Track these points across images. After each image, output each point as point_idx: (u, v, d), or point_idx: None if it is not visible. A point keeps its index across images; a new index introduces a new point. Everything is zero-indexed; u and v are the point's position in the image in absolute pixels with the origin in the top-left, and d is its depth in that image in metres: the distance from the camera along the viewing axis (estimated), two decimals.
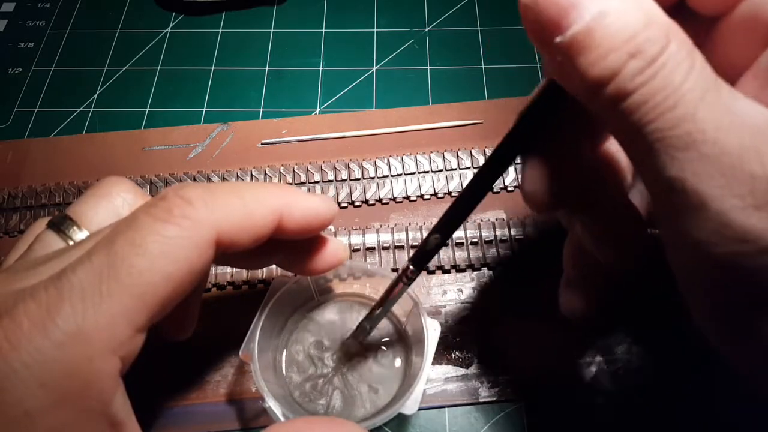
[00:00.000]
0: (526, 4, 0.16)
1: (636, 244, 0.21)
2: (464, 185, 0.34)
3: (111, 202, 0.23)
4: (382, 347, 0.30)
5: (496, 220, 0.34)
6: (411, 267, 0.24)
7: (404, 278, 0.24)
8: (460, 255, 0.33)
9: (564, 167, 0.20)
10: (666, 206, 0.16)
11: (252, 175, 0.36)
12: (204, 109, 0.40)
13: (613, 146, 0.22)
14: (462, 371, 0.30)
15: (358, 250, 0.33)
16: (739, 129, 0.14)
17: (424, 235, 0.33)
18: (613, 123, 0.16)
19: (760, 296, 0.15)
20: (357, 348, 0.29)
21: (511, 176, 0.35)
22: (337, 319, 0.31)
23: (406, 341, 0.30)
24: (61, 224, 0.22)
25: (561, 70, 0.16)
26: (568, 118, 0.19)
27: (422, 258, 0.23)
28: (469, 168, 0.36)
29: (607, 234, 0.21)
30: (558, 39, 0.15)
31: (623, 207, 0.21)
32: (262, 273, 0.32)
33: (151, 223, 0.18)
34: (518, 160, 0.21)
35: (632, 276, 0.23)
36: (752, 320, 0.16)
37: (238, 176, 0.36)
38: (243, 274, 0.32)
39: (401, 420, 0.29)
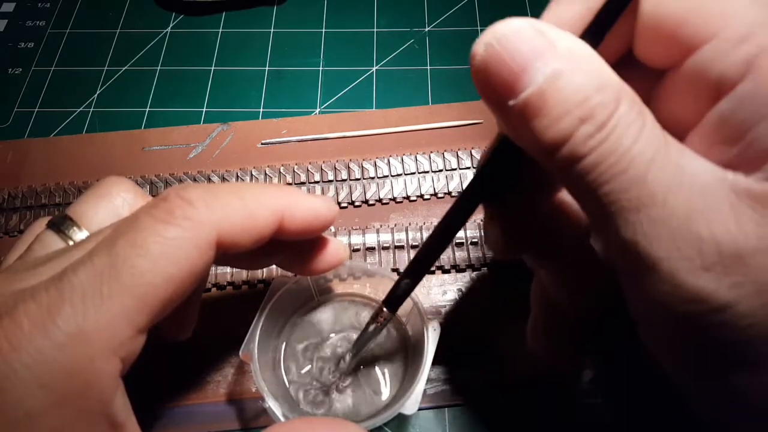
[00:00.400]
0: (477, 68, 0.16)
1: (596, 290, 0.21)
2: (464, 186, 0.34)
3: (111, 202, 0.23)
4: (382, 347, 0.30)
5: None
6: (384, 309, 0.24)
7: (378, 320, 0.25)
8: (460, 255, 0.33)
9: (520, 218, 0.21)
10: (622, 266, 0.16)
11: (252, 175, 0.36)
12: (204, 109, 0.40)
13: (566, 196, 0.22)
14: (462, 371, 0.30)
15: (358, 250, 0.33)
16: (688, 190, 0.14)
17: (425, 235, 0.33)
18: (568, 183, 0.16)
19: (719, 350, 0.15)
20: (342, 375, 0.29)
21: None
22: (337, 319, 0.31)
23: (406, 341, 0.30)
24: (61, 224, 0.22)
25: (515, 131, 0.16)
26: (522, 171, 0.20)
27: (394, 301, 0.24)
28: (469, 168, 0.36)
29: (568, 280, 0.22)
30: (511, 102, 0.15)
31: (582, 253, 0.21)
32: (262, 273, 0.32)
33: (153, 224, 0.18)
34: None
35: (595, 319, 0.23)
36: (714, 371, 0.16)
37: (238, 176, 0.36)
38: (243, 274, 0.32)
39: (401, 420, 0.29)
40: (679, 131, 0.16)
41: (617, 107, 0.15)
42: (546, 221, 0.21)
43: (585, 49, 0.15)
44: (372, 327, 0.25)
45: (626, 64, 0.18)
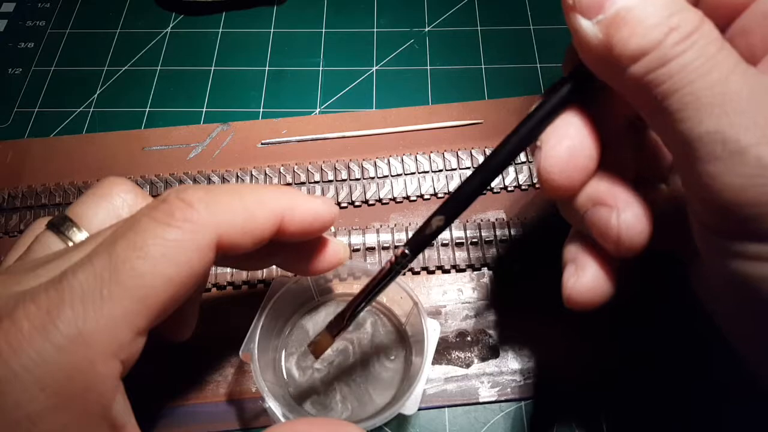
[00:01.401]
0: None
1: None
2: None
3: (110, 203, 0.23)
4: (382, 347, 0.30)
5: (496, 220, 0.34)
6: (405, 250, 0.23)
7: (396, 262, 0.23)
8: (460, 255, 0.33)
9: (587, 152, 0.20)
10: (696, 160, 0.17)
11: (252, 175, 0.36)
12: (204, 109, 0.40)
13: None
14: (462, 371, 0.30)
15: (358, 250, 0.33)
16: (757, 105, 0.16)
17: None
18: (645, 94, 0.17)
19: None
20: (329, 341, 0.26)
21: (511, 176, 0.35)
22: None
23: (406, 341, 0.30)
24: (60, 225, 0.22)
25: (600, 47, 0.17)
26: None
27: (420, 242, 0.23)
28: (469, 168, 0.36)
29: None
30: (599, 17, 0.17)
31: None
32: (262, 273, 0.32)
33: (153, 226, 0.18)
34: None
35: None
36: None
37: (238, 176, 0.36)
38: (243, 274, 0.33)
39: (401, 420, 0.29)
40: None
41: (702, 23, 0.17)
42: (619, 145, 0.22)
43: None
44: (386, 272, 0.23)
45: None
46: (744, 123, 0.16)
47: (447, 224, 0.22)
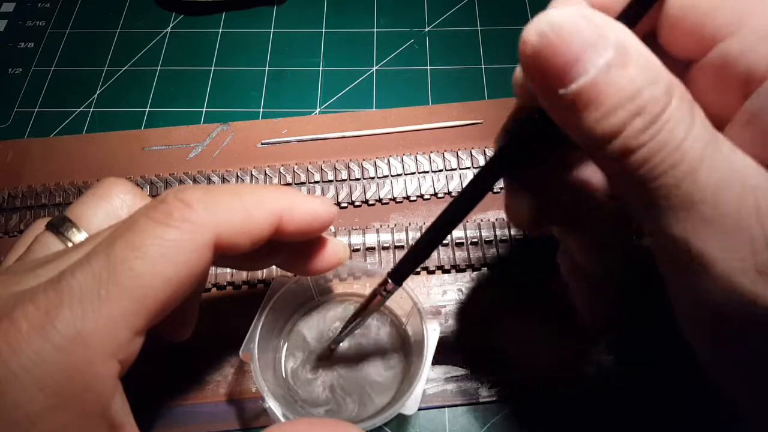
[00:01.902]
0: (529, 55, 0.15)
1: (623, 254, 0.22)
2: (464, 186, 0.34)
3: (110, 204, 0.23)
4: (382, 347, 0.30)
5: (496, 220, 0.34)
6: (389, 281, 0.24)
7: (382, 292, 0.24)
8: (460, 255, 0.33)
9: (544, 192, 0.20)
10: (670, 261, 0.16)
11: (252, 175, 0.36)
12: (204, 109, 0.40)
13: (587, 171, 0.22)
14: (462, 371, 0.30)
15: (358, 250, 0.33)
16: (739, 188, 0.14)
17: None
18: (617, 176, 0.16)
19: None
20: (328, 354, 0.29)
21: None
22: (337, 319, 0.31)
23: (406, 341, 0.30)
24: (59, 226, 0.22)
25: (562, 118, 0.16)
26: (548, 147, 0.20)
27: (401, 274, 0.24)
28: (469, 168, 0.36)
29: (593, 247, 0.22)
30: (561, 91, 0.15)
31: (607, 220, 0.22)
32: (262, 273, 0.32)
33: (151, 226, 0.18)
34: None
35: (621, 285, 0.23)
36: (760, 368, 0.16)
37: (238, 176, 0.36)
38: (243, 274, 0.33)
39: (401, 420, 0.29)
40: (717, 124, 0.16)
41: (669, 101, 0.15)
42: (569, 193, 0.21)
43: (635, 41, 0.15)
44: (375, 301, 0.25)
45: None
46: (709, 234, 0.14)
47: (424, 258, 0.23)
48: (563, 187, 0.21)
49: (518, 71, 0.19)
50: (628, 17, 0.16)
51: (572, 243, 0.22)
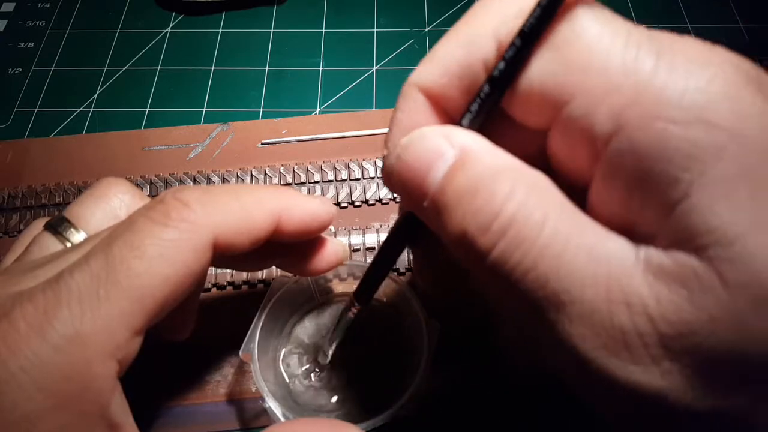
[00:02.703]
0: (388, 175, 0.17)
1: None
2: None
3: (108, 204, 0.23)
4: (382, 347, 0.30)
5: None
6: (355, 303, 0.24)
7: (351, 310, 0.25)
8: None
9: (430, 269, 0.22)
10: (559, 364, 0.16)
11: (252, 175, 0.36)
12: (204, 109, 0.40)
13: None
14: (462, 371, 0.30)
15: (358, 250, 0.33)
16: (604, 280, 0.14)
17: None
18: (487, 280, 0.16)
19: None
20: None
21: None
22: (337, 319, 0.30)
23: (406, 341, 0.30)
24: (58, 226, 0.22)
25: (430, 224, 0.17)
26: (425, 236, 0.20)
27: (365, 295, 0.24)
28: None
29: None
30: (425, 203, 0.16)
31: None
32: (262, 273, 0.32)
33: (150, 226, 0.18)
34: None
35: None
36: None
37: (238, 176, 0.36)
38: (243, 274, 0.32)
39: (401, 420, 0.29)
40: (581, 187, 0.16)
41: (512, 194, 0.14)
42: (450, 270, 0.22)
43: (479, 140, 0.16)
44: (343, 320, 0.25)
45: (508, 124, 0.17)
46: (580, 331, 0.14)
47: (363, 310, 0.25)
48: (443, 267, 0.22)
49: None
50: (478, 114, 0.17)
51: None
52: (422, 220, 0.17)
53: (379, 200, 0.35)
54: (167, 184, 0.35)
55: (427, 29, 0.43)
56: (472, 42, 0.17)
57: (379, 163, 0.36)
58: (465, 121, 0.17)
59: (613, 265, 0.14)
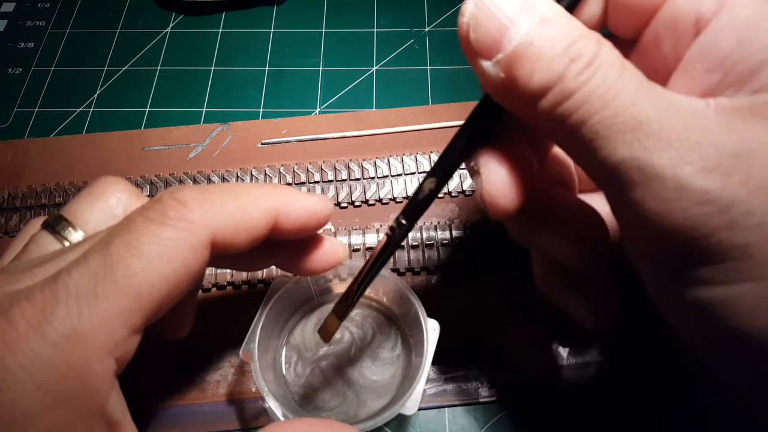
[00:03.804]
0: (467, 24, 0.17)
1: (599, 243, 0.22)
2: (464, 186, 0.34)
3: (105, 202, 0.23)
4: (382, 347, 0.30)
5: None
6: (402, 220, 0.22)
7: (394, 233, 0.22)
8: (462, 255, 0.33)
9: (524, 170, 0.20)
10: (619, 189, 0.16)
11: (252, 175, 0.36)
12: (204, 109, 0.40)
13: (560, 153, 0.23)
14: (462, 371, 0.30)
15: (358, 250, 0.33)
16: (677, 111, 0.16)
17: (425, 235, 0.33)
18: (557, 126, 0.17)
19: (720, 256, 0.15)
20: (336, 324, 0.26)
21: None
22: None
23: (406, 341, 0.30)
24: (55, 225, 0.22)
25: (502, 84, 0.17)
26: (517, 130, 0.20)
27: (416, 209, 0.22)
28: None
29: (573, 239, 0.22)
30: (499, 56, 0.17)
31: (581, 208, 0.22)
32: (262, 273, 0.32)
33: (147, 225, 0.18)
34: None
35: (607, 284, 0.23)
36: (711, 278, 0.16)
37: (238, 176, 0.36)
38: (243, 274, 0.32)
39: (401, 420, 0.29)
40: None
41: (600, 48, 0.16)
42: (546, 176, 0.22)
43: (560, 8, 0.17)
44: (384, 246, 0.23)
45: None
46: (657, 146, 0.15)
47: (440, 187, 0.21)
48: (539, 168, 0.21)
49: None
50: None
51: (546, 238, 0.22)
52: (492, 79, 0.17)
53: (379, 200, 0.35)
54: (167, 184, 0.35)
55: (427, 29, 0.43)
56: None
57: (379, 163, 0.36)
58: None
59: (685, 104, 0.16)
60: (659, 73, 0.18)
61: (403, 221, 0.22)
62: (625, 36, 0.20)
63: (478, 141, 0.20)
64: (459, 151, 0.21)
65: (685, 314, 0.17)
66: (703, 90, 0.17)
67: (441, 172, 0.21)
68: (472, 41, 0.17)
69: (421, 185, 0.21)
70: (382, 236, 0.23)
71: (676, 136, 0.15)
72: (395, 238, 0.22)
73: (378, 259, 0.23)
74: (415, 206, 0.21)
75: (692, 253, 0.16)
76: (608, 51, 0.16)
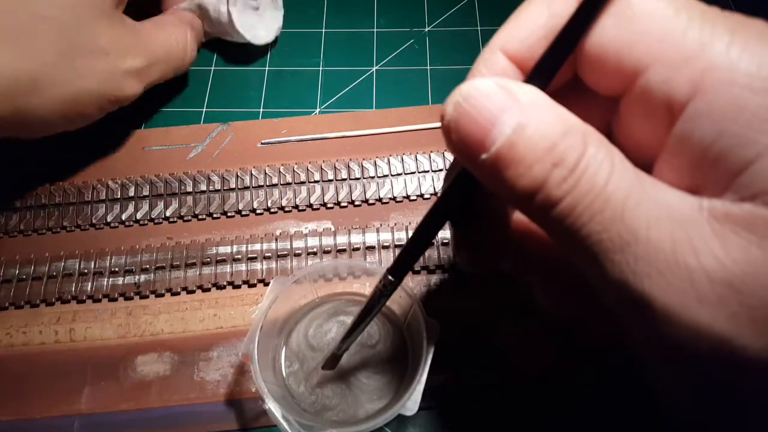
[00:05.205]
0: (447, 126, 0.16)
1: (578, 297, 0.21)
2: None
3: None
4: (382, 347, 0.30)
5: None
6: (390, 278, 0.23)
7: (385, 288, 0.23)
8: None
9: (484, 240, 0.21)
10: (618, 306, 0.16)
11: (252, 174, 0.36)
12: (204, 109, 0.40)
13: (521, 217, 0.22)
14: (462, 371, 0.30)
15: (358, 249, 0.33)
16: (668, 222, 0.14)
17: None
18: (548, 228, 0.16)
19: (724, 384, 0.15)
20: (335, 365, 0.28)
21: None
22: (337, 318, 0.31)
23: (406, 341, 0.30)
24: None
25: (489, 182, 0.17)
26: (481, 200, 0.20)
27: (403, 266, 0.23)
28: None
29: (545, 288, 0.22)
30: (483, 156, 0.16)
31: (548, 266, 0.22)
32: (262, 273, 0.32)
33: None
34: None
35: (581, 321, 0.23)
36: (718, 403, 0.16)
37: (238, 176, 0.36)
38: (243, 274, 0.32)
39: (401, 420, 0.29)
40: (646, 162, 0.17)
41: (586, 149, 0.15)
42: (509, 241, 0.21)
43: (546, 99, 0.16)
44: (378, 298, 0.24)
45: (578, 92, 0.18)
46: (645, 271, 0.14)
47: (424, 247, 0.23)
48: (500, 237, 0.21)
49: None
50: (541, 76, 0.17)
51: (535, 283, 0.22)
52: (478, 175, 0.17)
53: (379, 200, 0.35)
54: (167, 184, 0.35)
55: (427, 29, 0.43)
56: (553, 3, 0.18)
57: (379, 163, 0.36)
58: (533, 80, 0.17)
59: (676, 210, 0.15)
60: (642, 148, 0.17)
61: (391, 278, 0.23)
62: (606, 95, 0.18)
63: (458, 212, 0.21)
64: (439, 221, 0.21)
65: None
66: (690, 184, 0.15)
67: (423, 239, 0.22)
68: (455, 142, 0.16)
69: (405, 246, 0.22)
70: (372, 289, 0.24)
71: (666, 258, 0.14)
72: (385, 293, 0.23)
73: (369, 312, 0.24)
74: (403, 263, 0.23)
75: (691, 367, 0.15)
76: (595, 148, 0.15)
